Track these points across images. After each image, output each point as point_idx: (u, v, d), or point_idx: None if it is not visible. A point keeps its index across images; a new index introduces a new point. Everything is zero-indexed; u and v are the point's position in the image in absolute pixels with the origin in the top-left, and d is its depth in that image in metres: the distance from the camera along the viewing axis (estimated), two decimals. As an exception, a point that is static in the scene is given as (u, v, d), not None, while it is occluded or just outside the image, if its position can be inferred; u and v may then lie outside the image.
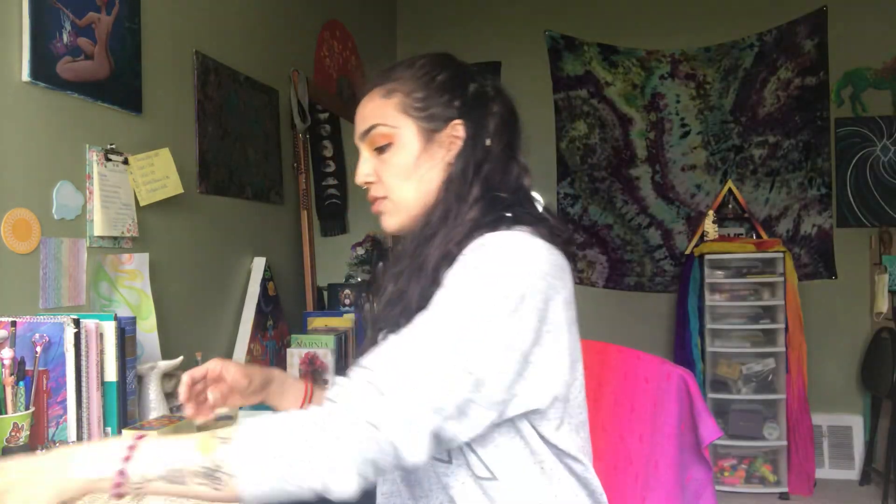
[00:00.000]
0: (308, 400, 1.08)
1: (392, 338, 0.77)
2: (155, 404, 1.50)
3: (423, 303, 0.81)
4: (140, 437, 0.72)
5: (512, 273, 0.79)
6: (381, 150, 0.94)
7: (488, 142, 0.93)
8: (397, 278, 0.91)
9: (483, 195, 0.90)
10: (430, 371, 0.72)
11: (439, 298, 0.79)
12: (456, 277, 0.80)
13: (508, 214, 0.88)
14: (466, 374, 0.73)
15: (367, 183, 0.97)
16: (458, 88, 0.95)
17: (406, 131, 0.93)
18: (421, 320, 0.77)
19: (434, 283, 0.83)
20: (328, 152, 2.90)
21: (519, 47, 4.00)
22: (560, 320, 0.82)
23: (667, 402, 1.19)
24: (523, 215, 0.88)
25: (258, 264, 2.22)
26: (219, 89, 2.05)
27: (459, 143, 0.93)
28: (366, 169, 0.96)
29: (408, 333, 0.76)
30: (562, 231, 0.89)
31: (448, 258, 0.84)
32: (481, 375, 0.74)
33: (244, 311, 2.15)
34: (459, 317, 0.76)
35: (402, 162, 0.93)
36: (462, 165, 0.92)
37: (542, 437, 0.84)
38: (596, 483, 0.88)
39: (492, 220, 0.87)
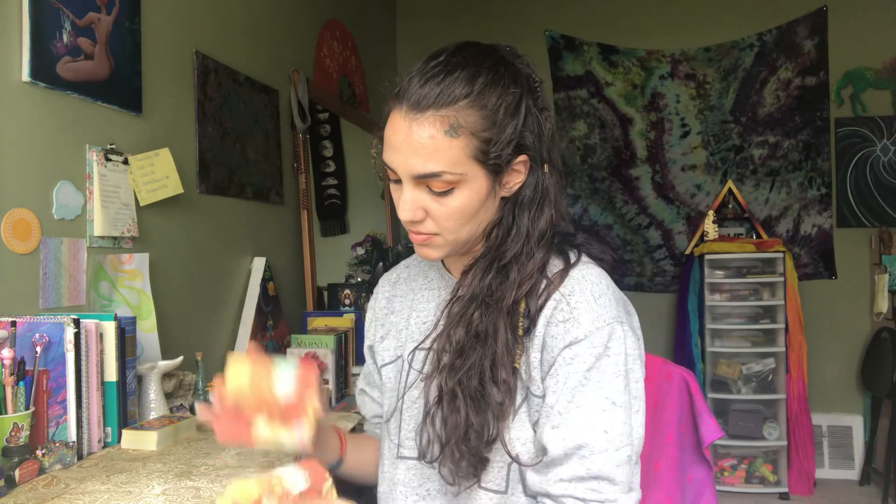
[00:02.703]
0: (343, 449, 1.03)
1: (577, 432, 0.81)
2: (155, 404, 1.50)
3: (509, 342, 0.84)
4: None
5: (629, 340, 0.85)
6: (439, 193, 0.83)
7: (546, 168, 0.88)
8: (468, 319, 0.86)
9: (548, 227, 0.88)
10: (623, 460, 0.82)
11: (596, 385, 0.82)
12: (583, 352, 0.83)
13: (575, 248, 0.91)
14: (634, 454, 0.84)
15: (413, 221, 0.86)
16: (522, 109, 0.85)
17: (473, 177, 0.83)
18: (595, 408, 0.81)
19: (511, 316, 0.85)
20: (328, 152, 2.90)
21: (519, 47, 3.95)
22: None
23: (667, 402, 1.19)
24: (578, 241, 0.92)
25: (258, 264, 2.22)
26: (219, 89, 2.05)
27: (522, 178, 0.87)
28: (414, 210, 0.85)
29: (595, 433, 0.81)
30: (615, 263, 0.94)
31: (527, 294, 0.86)
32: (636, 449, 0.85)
33: (244, 311, 2.15)
34: (619, 403, 0.83)
35: (464, 207, 0.84)
36: (529, 202, 0.87)
37: None
38: None
39: (562, 248, 0.90)
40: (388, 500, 0.96)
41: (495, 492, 0.87)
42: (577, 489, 0.81)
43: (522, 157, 0.86)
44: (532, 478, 0.85)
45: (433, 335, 0.91)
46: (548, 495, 0.83)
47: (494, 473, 0.87)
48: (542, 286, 0.86)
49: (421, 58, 0.86)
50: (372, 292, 2.60)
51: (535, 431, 0.86)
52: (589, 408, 0.81)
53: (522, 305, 0.86)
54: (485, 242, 0.90)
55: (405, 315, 1.02)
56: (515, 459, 0.85)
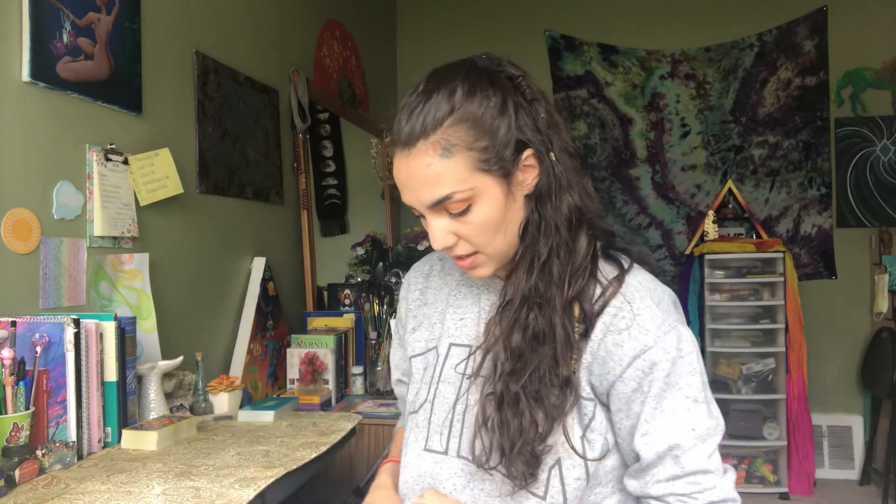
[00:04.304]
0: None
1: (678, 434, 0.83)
2: (155, 404, 1.50)
3: (569, 338, 0.85)
4: None
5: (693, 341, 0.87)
6: (459, 213, 0.84)
7: (553, 155, 0.87)
8: (523, 323, 0.86)
9: (572, 212, 0.87)
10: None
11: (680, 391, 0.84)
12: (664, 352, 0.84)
13: (618, 246, 0.92)
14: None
15: (448, 247, 0.88)
16: (509, 107, 0.84)
17: (484, 188, 0.83)
18: (683, 407, 0.84)
19: (568, 314, 0.86)
20: (328, 152, 2.90)
21: (519, 47, 4.00)
22: None
23: (667, 402, 1.18)
24: (621, 244, 0.93)
25: (258, 264, 2.22)
26: (219, 89, 2.05)
27: (535, 171, 0.86)
28: (445, 236, 0.86)
29: (689, 431, 0.83)
30: (652, 257, 0.96)
31: (580, 296, 0.86)
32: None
33: (244, 311, 2.15)
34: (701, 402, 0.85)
35: (487, 219, 0.84)
36: (546, 193, 0.86)
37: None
38: None
39: (609, 253, 0.91)
40: (413, 491, 0.96)
41: (534, 494, 0.86)
42: (675, 486, 0.83)
43: (528, 152, 0.86)
44: (631, 483, 0.87)
45: (487, 340, 0.90)
46: (650, 497, 0.85)
47: (536, 476, 0.87)
48: (598, 292, 0.86)
49: (404, 93, 0.87)
50: (371, 292, 2.59)
51: (583, 435, 0.86)
52: (673, 410, 0.83)
53: (577, 309, 0.86)
54: (521, 243, 0.89)
55: (440, 308, 1.02)
56: (581, 455, 0.86)
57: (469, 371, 0.92)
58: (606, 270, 0.88)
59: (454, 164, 0.82)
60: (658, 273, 0.93)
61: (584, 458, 0.86)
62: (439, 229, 0.86)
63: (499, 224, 0.85)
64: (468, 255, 0.88)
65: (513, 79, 0.87)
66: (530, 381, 0.84)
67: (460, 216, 0.84)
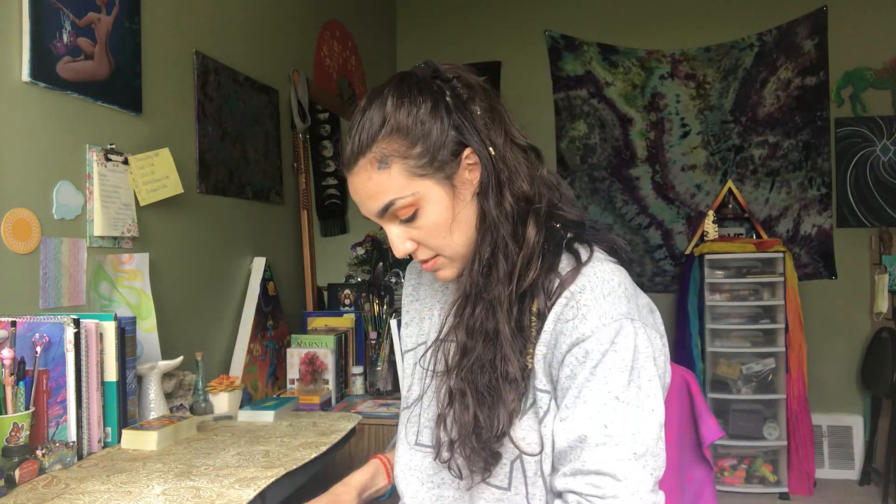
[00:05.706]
0: (390, 478, 1.10)
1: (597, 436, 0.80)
2: (155, 404, 1.50)
3: (514, 335, 0.85)
4: None
5: (650, 346, 0.84)
6: (408, 219, 0.87)
7: (492, 150, 0.87)
8: (466, 318, 0.87)
9: (521, 207, 0.87)
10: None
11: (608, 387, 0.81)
12: (605, 361, 0.81)
13: (573, 235, 0.90)
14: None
15: (408, 253, 0.91)
16: (441, 110, 0.85)
17: (426, 192, 0.85)
18: (611, 414, 0.80)
19: (521, 309, 0.86)
20: (328, 152, 2.90)
21: (519, 47, 4.00)
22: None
23: (668, 402, 1.18)
24: (590, 236, 0.91)
25: (258, 264, 2.22)
26: (219, 89, 2.05)
27: (478, 168, 0.87)
28: (402, 242, 0.89)
29: (608, 437, 0.79)
30: (624, 249, 0.94)
31: (537, 293, 0.86)
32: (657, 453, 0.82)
33: (244, 311, 2.15)
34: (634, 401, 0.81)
35: (436, 221, 0.87)
36: (488, 189, 0.87)
37: None
38: None
39: (562, 242, 0.90)
40: (404, 483, 0.98)
41: (498, 487, 0.87)
42: (576, 483, 0.80)
43: (467, 151, 0.86)
44: (549, 479, 0.86)
45: (437, 337, 0.94)
46: (555, 490, 0.83)
47: (498, 469, 0.87)
48: (555, 286, 0.86)
49: None
50: (371, 292, 2.60)
51: (540, 430, 0.86)
52: (592, 402, 0.80)
53: (535, 305, 0.86)
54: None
55: (429, 304, 1.05)
56: (528, 452, 0.85)
57: (436, 367, 0.95)
58: (565, 263, 0.88)
59: (392, 174, 0.84)
60: (629, 265, 0.91)
61: (526, 453, 0.85)
62: (395, 236, 0.89)
63: (449, 225, 0.87)
64: (430, 259, 0.90)
65: (446, 81, 0.88)
66: (476, 376, 0.85)
67: (410, 222, 0.87)
